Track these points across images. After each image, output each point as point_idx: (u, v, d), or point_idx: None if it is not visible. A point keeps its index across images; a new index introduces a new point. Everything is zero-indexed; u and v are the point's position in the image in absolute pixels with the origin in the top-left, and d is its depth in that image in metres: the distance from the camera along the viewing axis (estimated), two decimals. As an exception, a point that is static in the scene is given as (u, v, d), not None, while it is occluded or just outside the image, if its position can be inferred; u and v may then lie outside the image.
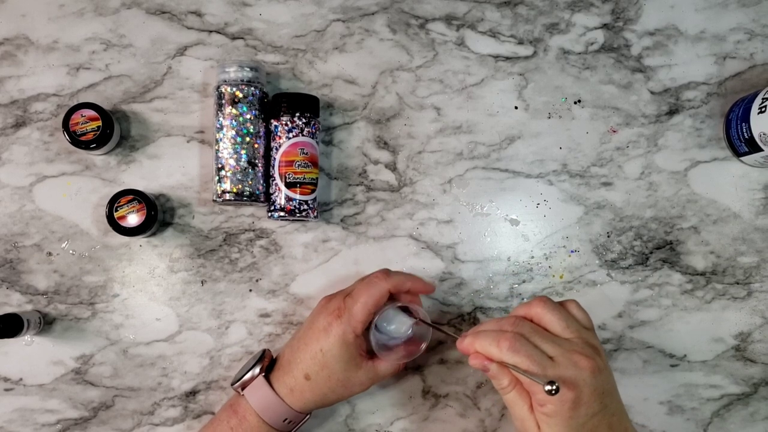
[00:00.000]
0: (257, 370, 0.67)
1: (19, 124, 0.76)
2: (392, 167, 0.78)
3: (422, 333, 0.69)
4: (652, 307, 0.78)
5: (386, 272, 0.68)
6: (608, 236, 0.78)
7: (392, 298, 0.68)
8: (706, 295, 0.78)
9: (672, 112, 0.79)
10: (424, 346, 0.69)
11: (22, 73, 0.76)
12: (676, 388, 0.78)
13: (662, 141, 0.79)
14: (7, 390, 0.74)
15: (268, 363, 0.69)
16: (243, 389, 0.67)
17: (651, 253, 0.78)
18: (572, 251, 0.78)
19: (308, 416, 0.69)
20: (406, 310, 0.68)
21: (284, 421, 0.66)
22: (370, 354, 0.68)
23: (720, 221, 0.79)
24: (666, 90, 0.79)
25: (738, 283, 0.78)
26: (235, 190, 0.72)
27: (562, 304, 0.63)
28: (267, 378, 0.67)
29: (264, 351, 0.70)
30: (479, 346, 0.60)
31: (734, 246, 0.79)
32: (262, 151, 0.74)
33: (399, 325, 0.67)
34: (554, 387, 0.54)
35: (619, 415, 0.61)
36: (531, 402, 0.59)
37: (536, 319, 0.62)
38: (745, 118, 0.74)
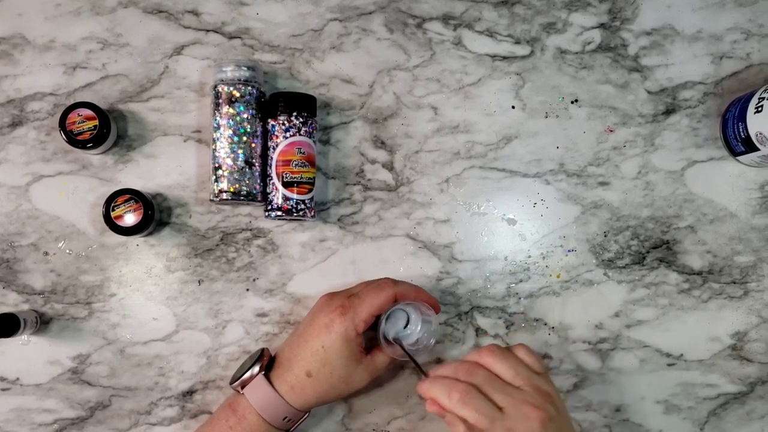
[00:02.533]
0: (257, 368, 0.67)
1: (15, 124, 0.76)
2: (389, 167, 0.78)
3: (430, 332, 0.69)
4: (649, 306, 0.78)
5: (394, 280, 0.69)
6: (605, 236, 0.78)
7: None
8: (703, 295, 0.78)
9: (669, 111, 0.80)
10: (432, 342, 0.70)
11: (19, 72, 0.76)
12: (673, 387, 0.78)
13: (659, 140, 0.79)
14: (3, 390, 0.74)
15: (267, 361, 0.69)
16: (242, 388, 0.67)
17: (648, 252, 0.78)
18: (569, 251, 0.78)
19: (307, 414, 0.69)
20: (417, 310, 0.69)
21: (284, 419, 0.66)
22: (368, 350, 0.69)
23: (717, 221, 0.79)
24: (663, 90, 0.80)
25: (734, 283, 0.78)
26: (232, 190, 0.72)
27: (510, 350, 0.64)
28: (266, 376, 0.67)
29: (263, 350, 0.70)
30: (433, 393, 0.62)
31: (731, 245, 0.79)
32: (259, 150, 0.74)
33: (405, 325, 0.69)
34: None
35: None
36: None
37: (487, 368, 0.62)
38: (742, 117, 0.74)
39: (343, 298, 0.67)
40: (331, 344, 0.66)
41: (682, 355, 0.78)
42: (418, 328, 0.70)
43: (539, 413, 0.58)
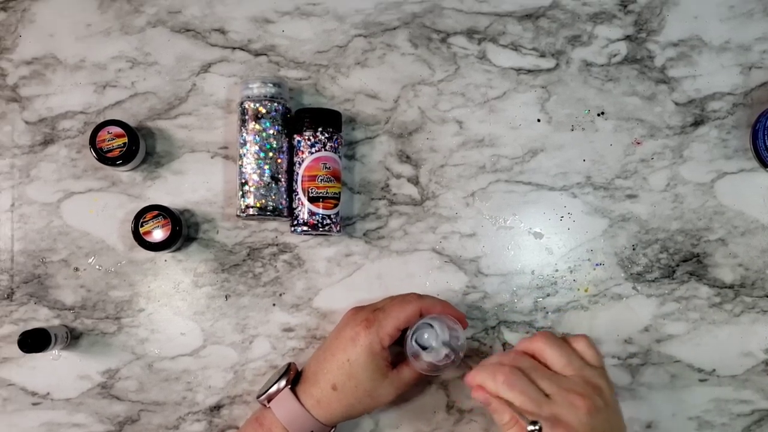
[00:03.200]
0: (283, 382, 0.68)
1: (47, 142, 0.77)
2: (415, 181, 0.78)
3: (457, 346, 0.68)
4: (680, 320, 0.77)
5: (419, 294, 0.69)
6: (633, 249, 0.78)
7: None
8: (735, 309, 0.77)
9: (697, 123, 0.79)
10: (460, 356, 0.68)
11: (51, 92, 0.77)
12: (706, 403, 0.76)
13: (687, 152, 0.78)
14: (34, 404, 0.75)
15: (294, 376, 0.69)
16: (269, 402, 0.67)
17: (677, 265, 0.77)
18: (597, 264, 0.77)
19: (334, 429, 0.69)
20: (444, 324, 0.68)
21: None
22: (394, 364, 0.68)
23: (748, 233, 0.78)
24: (691, 101, 0.79)
25: (767, 296, 0.77)
26: (258, 205, 0.72)
27: (568, 340, 0.63)
28: (293, 391, 0.67)
29: (289, 364, 0.70)
30: (479, 378, 0.61)
31: (763, 258, 0.77)
32: (285, 166, 0.74)
33: (431, 338, 0.68)
34: (537, 427, 0.53)
35: None
36: None
37: (537, 354, 0.62)
38: (773, 128, 0.73)
39: (368, 312, 0.67)
40: (356, 357, 0.66)
41: (714, 370, 0.77)
42: (445, 341, 0.69)
43: (586, 402, 0.57)
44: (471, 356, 0.76)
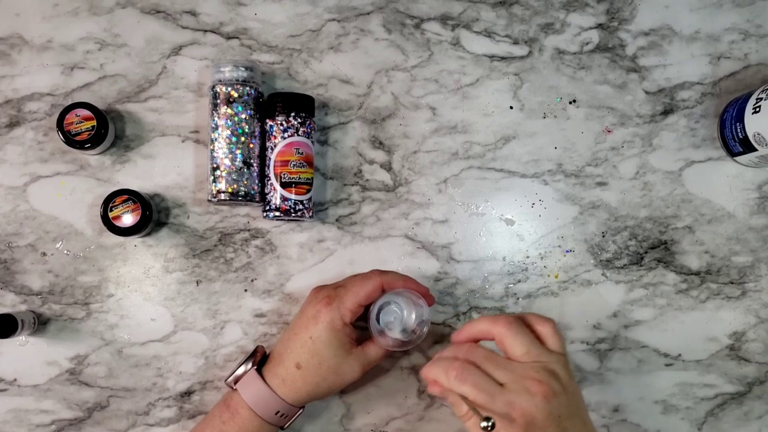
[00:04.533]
0: (249, 364, 0.68)
1: (13, 124, 0.75)
2: (387, 167, 0.78)
3: (421, 321, 0.68)
4: (647, 306, 0.78)
5: (381, 270, 0.69)
6: (603, 236, 0.79)
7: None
8: (701, 295, 0.79)
9: (667, 112, 0.80)
10: (425, 330, 0.68)
11: (16, 73, 0.76)
12: (671, 387, 0.78)
13: (657, 141, 0.79)
14: (1, 391, 0.74)
15: (260, 357, 0.69)
16: (236, 384, 0.67)
17: (646, 252, 0.78)
18: (567, 251, 0.78)
19: (301, 410, 0.69)
20: (407, 299, 0.68)
21: (277, 414, 0.66)
22: (360, 342, 0.69)
23: (714, 221, 0.79)
24: (661, 90, 0.80)
25: (732, 283, 0.79)
26: (230, 190, 0.72)
27: (533, 322, 0.63)
28: (260, 372, 0.67)
29: (257, 347, 0.70)
30: (432, 374, 0.61)
31: (729, 245, 0.79)
32: (257, 150, 0.73)
33: (396, 314, 0.68)
34: (489, 423, 0.54)
35: None
36: None
37: (497, 338, 0.61)
38: (740, 118, 0.75)
39: (330, 290, 0.68)
40: (318, 335, 0.66)
41: (680, 355, 0.78)
42: (409, 316, 0.68)
43: (542, 387, 0.57)
44: (442, 342, 0.77)
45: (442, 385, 0.60)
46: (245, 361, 0.68)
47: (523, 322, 0.63)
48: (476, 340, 0.64)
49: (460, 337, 0.64)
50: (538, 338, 0.62)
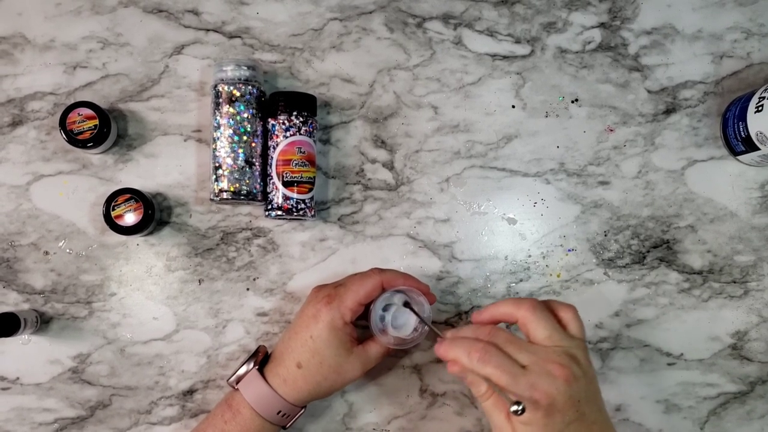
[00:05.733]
0: (251, 364, 0.68)
1: (15, 123, 0.76)
2: (389, 166, 0.78)
3: (422, 316, 0.68)
4: (649, 305, 0.78)
5: (381, 268, 0.69)
6: (605, 235, 0.78)
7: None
8: (703, 294, 0.78)
9: (669, 111, 0.80)
10: (425, 328, 0.68)
11: (19, 72, 0.76)
12: (673, 386, 0.78)
13: (659, 140, 0.79)
14: (4, 389, 0.74)
15: (262, 357, 0.69)
16: (237, 384, 0.67)
17: (648, 251, 0.78)
18: (569, 250, 0.78)
19: (303, 409, 0.69)
20: (407, 301, 0.68)
21: (278, 413, 0.66)
22: (360, 341, 0.69)
23: (717, 220, 0.79)
24: (663, 89, 0.80)
25: (735, 282, 0.78)
26: (232, 189, 0.72)
27: (555, 308, 0.63)
28: (261, 371, 0.67)
29: (259, 347, 0.70)
30: (453, 354, 0.61)
31: (731, 245, 0.79)
32: (259, 149, 0.74)
33: (397, 312, 0.68)
34: (520, 408, 0.54)
35: (600, 423, 0.61)
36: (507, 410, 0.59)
37: (521, 321, 0.62)
38: (742, 117, 0.74)
39: (330, 289, 0.68)
40: (318, 334, 0.66)
41: (682, 354, 0.78)
42: (410, 315, 0.68)
43: (564, 371, 0.58)
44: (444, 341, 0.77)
45: (463, 365, 0.60)
46: (247, 361, 0.68)
47: (546, 307, 0.63)
48: (496, 322, 0.64)
49: (482, 317, 0.64)
50: (559, 323, 0.62)
